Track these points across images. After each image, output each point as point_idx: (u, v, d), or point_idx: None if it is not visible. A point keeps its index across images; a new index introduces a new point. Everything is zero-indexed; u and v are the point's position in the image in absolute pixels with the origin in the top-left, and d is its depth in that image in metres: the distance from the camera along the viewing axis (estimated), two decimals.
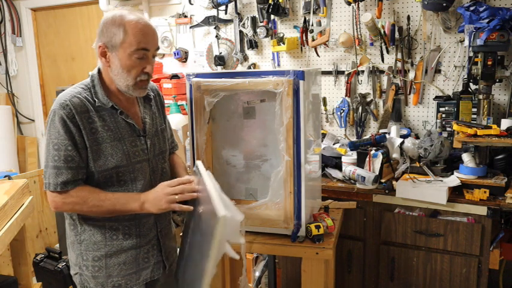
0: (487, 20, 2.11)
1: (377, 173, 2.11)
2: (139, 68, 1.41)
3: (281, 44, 2.90)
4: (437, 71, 2.57)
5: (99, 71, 1.48)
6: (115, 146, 1.43)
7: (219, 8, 3.04)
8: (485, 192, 1.92)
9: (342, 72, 2.82)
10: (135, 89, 1.44)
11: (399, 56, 2.62)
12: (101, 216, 1.45)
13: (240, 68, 3.13)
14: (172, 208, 1.40)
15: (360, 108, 2.78)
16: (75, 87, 1.46)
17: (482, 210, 1.94)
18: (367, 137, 2.38)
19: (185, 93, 1.75)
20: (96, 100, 1.43)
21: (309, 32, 2.79)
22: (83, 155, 1.40)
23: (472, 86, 2.34)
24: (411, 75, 2.63)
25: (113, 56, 1.40)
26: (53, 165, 1.38)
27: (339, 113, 2.85)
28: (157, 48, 1.48)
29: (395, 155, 2.32)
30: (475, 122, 2.25)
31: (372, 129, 2.80)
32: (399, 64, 2.63)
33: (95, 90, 1.44)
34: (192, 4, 3.22)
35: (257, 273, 2.75)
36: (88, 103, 1.41)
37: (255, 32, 2.98)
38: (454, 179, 2.04)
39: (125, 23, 1.37)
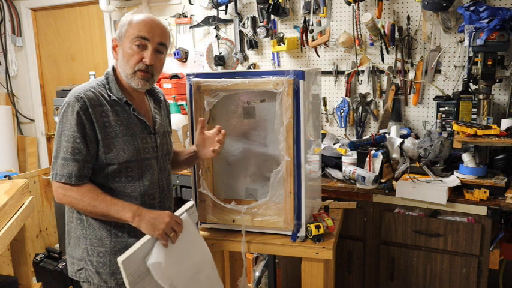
0: (487, 20, 2.11)
1: (377, 173, 2.11)
2: (138, 56, 1.45)
3: (281, 44, 2.90)
4: (437, 71, 2.57)
5: (113, 69, 1.53)
6: (127, 141, 1.46)
7: (219, 8, 3.04)
8: (485, 192, 1.92)
9: (342, 72, 2.82)
10: (133, 79, 1.47)
11: (399, 56, 2.62)
12: (95, 217, 1.45)
13: (240, 68, 3.13)
14: (161, 238, 1.39)
15: (360, 108, 2.78)
16: (90, 82, 1.50)
17: (482, 210, 1.94)
18: (367, 137, 2.38)
19: (185, 93, 1.76)
20: (111, 95, 1.46)
21: (309, 32, 2.79)
22: (92, 150, 1.41)
23: (472, 86, 2.34)
24: (411, 75, 2.63)
25: (119, 48, 1.48)
26: (62, 156, 1.40)
27: (339, 113, 2.85)
28: (163, 44, 1.50)
29: (395, 155, 2.32)
30: (475, 122, 2.25)
31: (372, 129, 2.80)
32: (399, 64, 2.63)
33: (109, 86, 1.48)
34: (192, 4, 3.22)
35: (257, 273, 2.76)
36: (102, 97, 1.45)
37: (255, 32, 2.98)
38: (454, 179, 2.04)
39: (133, 17, 1.46)
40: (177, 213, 1.49)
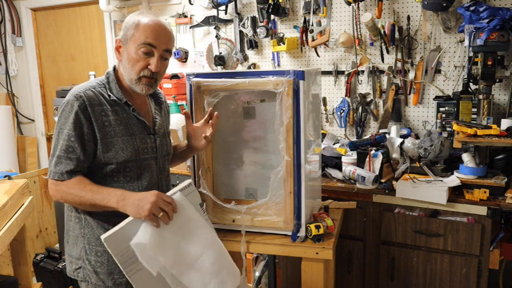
0: (487, 20, 2.11)
1: (377, 173, 2.11)
2: (144, 63, 1.44)
3: (281, 44, 2.90)
4: (437, 71, 2.57)
5: (114, 69, 1.53)
6: (126, 140, 1.46)
7: (219, 8, 3.04)
8: (485, 192, 1.92)
9: (342, 72, 2.82)
10: (137, 84, 1.47)
11: (399, 56, 2.62)
12: (88, 209, 1.45)
13: (240, 68, 3.13)
14: (149, 220, 1.34)
15: (360, 108, 2.78)
16: (90, 82, 1.50)
17: (482, 210, 1.94)
18: (367, 137, 2.38)
19: (185, 93, 1.76)
20: (111, 95, 1.46)
21: (309, 32, 2.79)
22: (89, 149, 1.41)
23: (472, 86, 2.34)
24: (411, 75, 2.63)
25: (124, 50, 1.47)
26: (57, 154, 1.41)
27: (339, 113, 2.85)
28: (168, 51, 1.49)
29: (395, 155, 2.32)
30: (475, 122, 2.25)
31: (372, 129, 2.80)
32: (399, 64, 2.63)
33: (110, 86, 1.48)
34: (192, 4, 3.22)
35: (257, 273, 2.75)
36: (102, 97, 1.45)
37: (255, 32, 2.98)
38: (454, 179, 2.04)
39: (139, 20, 1.44)
40: (169, 192, 1.43)
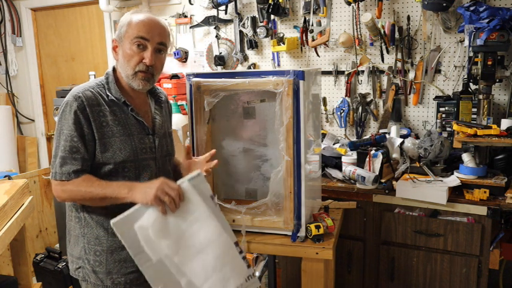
0: (487, 20, 2.11)
1: (377, 173, 2.11)
2: (138, 57, 1.45)
3: (281, 44, 2.90)
4: (437, 71, 2.57)
5: (114, 69, 1.54)
6: (124, 141, 1.46)
7: (219, 8, 3.04)
8: (485, 192, 1.92)
9: (342, 72, 2.82)
10: (134, 79, 1.47)
11: (399, 56, 2.62)
12: (96, 204, 1.45)
13: (240, 68, 3.13)
14: (155, 203, 1.33)
15: (360, 108, 2.78)
16: (89, 82, 1.51)
17: (482, 210, 1.94)
18: (367, 137, 2.39)
19: (185, 93, 1.76)
20: (109, 95, 1.47)
21: (309, 32, 2.79)
22: (90, 148, 1.42)
23: (472, 86, 2.35)
24: (411, 75, 2.63)
25: (119, 49, 1.48)
26: (61, 155, 1.41)
27: (339, 113, 2.85)
28: (162, 44, 1.49)
29: (395, 155, 2.32)
30: (475, 122, 2.25)
31: (372, 129, 2.80)
32: (399, 64, 2.63)
33: (109, 86, 1.49)
34: (192, 4, 3.22)
35: (257, 273, 2.75)
36: (100, 97, 1.45)
37: (255, 32, 2.98)
38: (454, 179, 2.04)
39: (132, 17, 1.46)
40: (178, 181, 1.39)
